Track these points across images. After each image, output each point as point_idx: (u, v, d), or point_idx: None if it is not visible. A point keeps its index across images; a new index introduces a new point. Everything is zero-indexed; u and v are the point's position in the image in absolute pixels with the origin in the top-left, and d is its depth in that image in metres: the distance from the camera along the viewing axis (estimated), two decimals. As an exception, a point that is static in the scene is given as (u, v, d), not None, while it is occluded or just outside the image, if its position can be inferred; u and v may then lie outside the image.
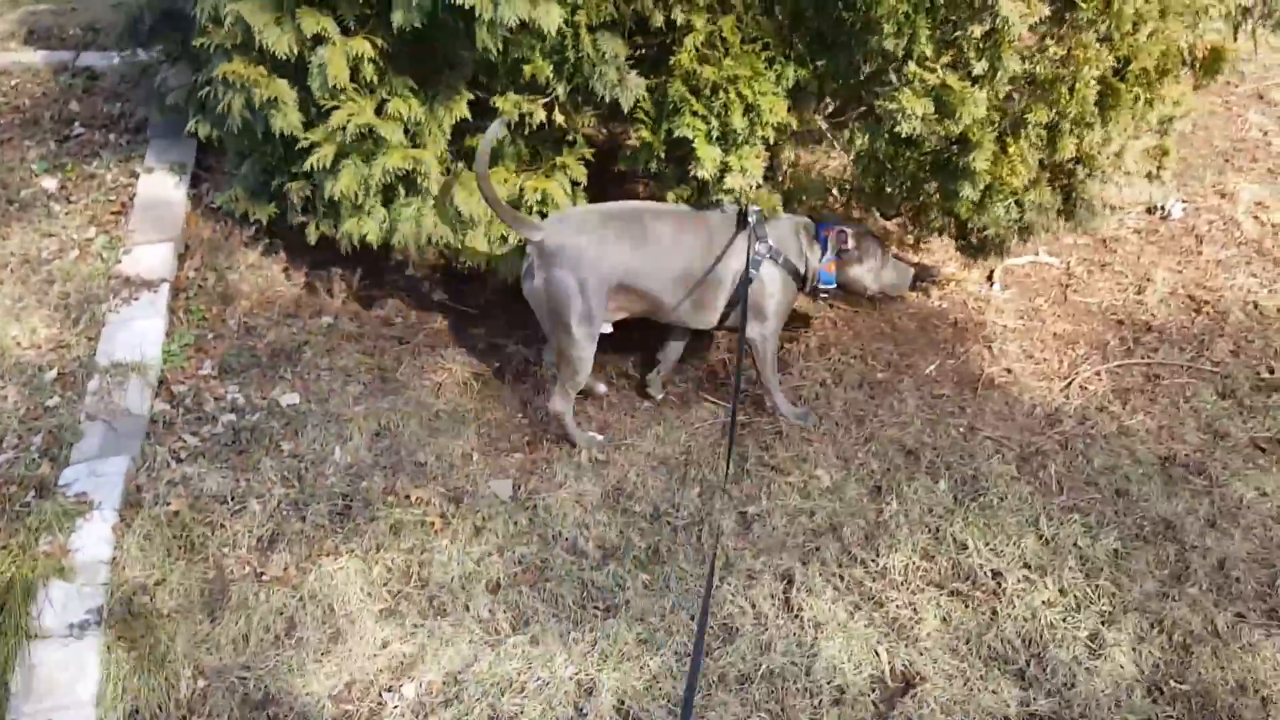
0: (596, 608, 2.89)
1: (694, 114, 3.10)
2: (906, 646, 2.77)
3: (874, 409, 3.57)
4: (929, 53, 2.79)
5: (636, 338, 3.69)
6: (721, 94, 3.02)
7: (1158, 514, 3.13)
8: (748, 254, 3.25)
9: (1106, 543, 3.04)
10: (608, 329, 3.39)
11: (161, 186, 4.44)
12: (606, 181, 3.85)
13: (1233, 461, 3.31)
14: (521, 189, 3.43)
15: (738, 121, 3.07)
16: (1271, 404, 3.53)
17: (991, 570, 2.97)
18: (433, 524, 3.11)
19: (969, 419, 3.52)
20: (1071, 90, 2.78)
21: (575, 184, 3.55)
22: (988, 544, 3.04)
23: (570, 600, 2.89)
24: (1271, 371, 3.68)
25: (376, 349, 3.83)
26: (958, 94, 2.77)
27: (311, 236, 3.77)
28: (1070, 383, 3.66)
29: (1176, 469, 3.29)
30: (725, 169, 3.14)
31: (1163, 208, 4.64)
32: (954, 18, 2.72)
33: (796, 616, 2.85)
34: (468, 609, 2.88)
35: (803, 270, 3.44)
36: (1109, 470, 3.29)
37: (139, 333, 3.72)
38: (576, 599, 2.90)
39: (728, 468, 2.88)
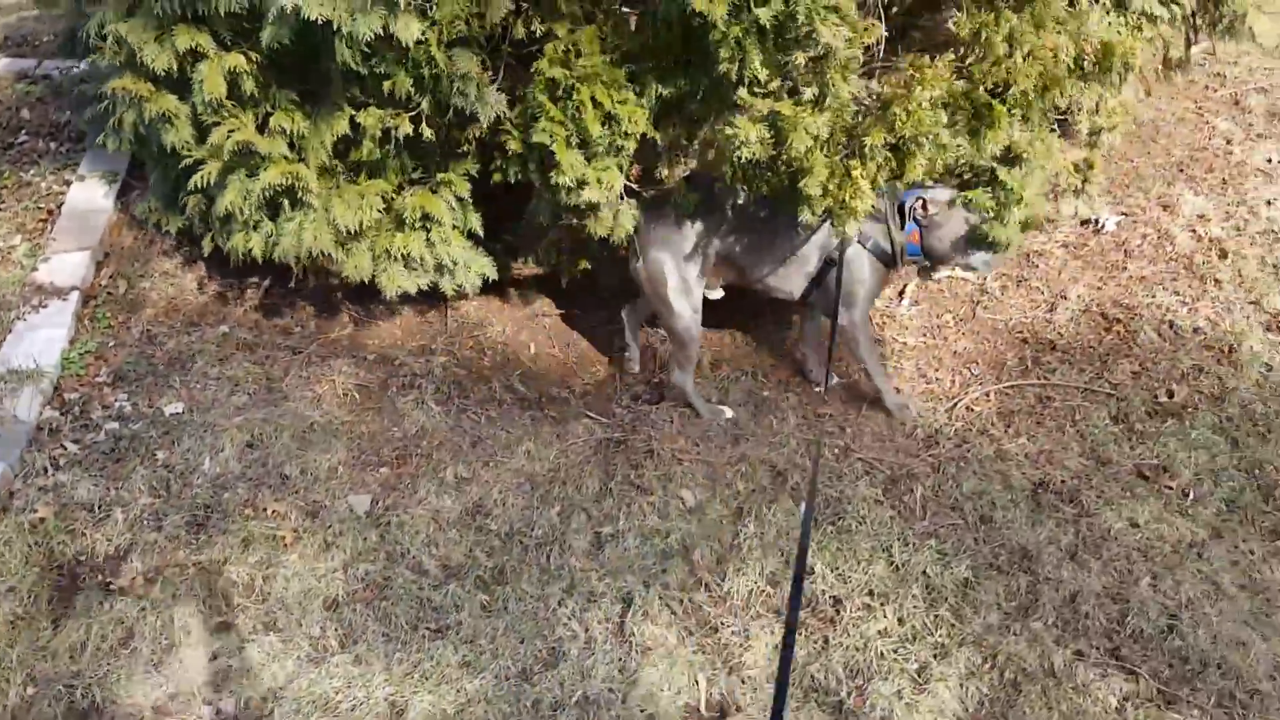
0: (428, 628, 2.90)
1: (551, 119, 3.08)
2: (730, 675, 2.75)
3: (753, 428, 3.52)
4: (762, 77, 2.75)
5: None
6: (575, 95, 2.99)
7: (1017, 543, 3.06)
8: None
9: (958, 571, 2.97)
10: (718, 294, 3.59)
11: (91, 195, 4.54)
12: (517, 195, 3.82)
13: (1109, 490, 3.22)
14: (402, 208, 3.44)
15: (595, 129, 3.04)
16: (1164, 430, 3.42)
17: (833, 597, 2.92)
18: (284, 538, 3.15)
19: (846, 440, 3.47)
20: (909, 112, 2.71)
21: (461, 200, 3.54)
22: (836, 570, 2.99)
23: (404, 620, 2.91)
24: (1170, 395, 3.56)
25: (269, 358, 3.87)
26: (789, 119, 2.72)
27: (206, 248, 3.83)
28: (956, 404, 3.58)
29: (1048, 496, 3.21)
30: (582, 181, 3.12)
31: (1097, 220, 4.51)
32: (785, 41, 2.67)
33: (626, 641, 2.83)
34: (300, 625, 2.91)
35: (890, 249, 3.37)
36: (977, 495, 3.22)
37: (42, 340, 3.81)
38: (410, 618, 2.92)
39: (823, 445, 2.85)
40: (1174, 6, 4.52)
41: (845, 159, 2.86)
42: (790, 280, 3.48)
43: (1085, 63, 3.33)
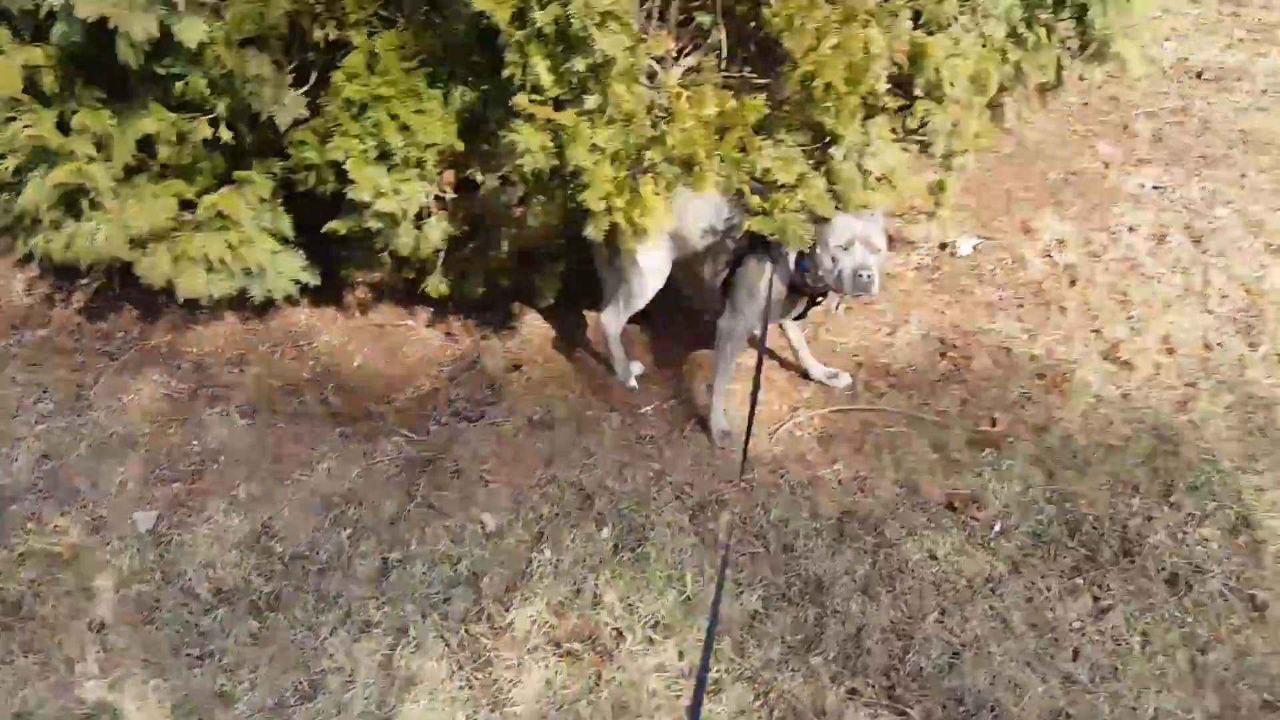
0: (190, 654, 2.78)
1: (347, 135, 2.98)
2: (493, 711, 2.66)
3: (569, 448, 3.43)
4: (546, 84, 2.66)
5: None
6: (372, 112, 2.89)
7: (813, 573, 3.00)
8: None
9: (748, 602, 2.91)
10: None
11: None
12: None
13: (915, 520, 3.17)
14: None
15: (394, 141, 2.95)
16: (981, 460, 3.37)
17: (616, 629, 2.84)
18: (61, 555, 3.02)
19: (663, 463, 3.39)
20: (683, 130, 2.63)
21: (265, 200, 3.42)
22: (625, 599, 2.92)
23: (166, 646, 2.79)
24: (993, 424, 3.52)
25: (84, 365, 3.75)
26: (570, 130, 2.64)
27: (19, 251, 3.68)
28: (780, 427, 3.52)
29: (853, 525, 3.16)
30: (379, 192, 3.02)
31: (953, 244, 4.48)
32: (566, 49, 2.59)
33: (391, 675, 2.73)
34: (61, 647, 2.78)
35: (803, 276, 3.21)
36: (782, 523, 3.16)
37: None
38: (174, 644, 2.80)
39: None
40: (1038, 29, 4.52)
41: (635, 174, 2.78)
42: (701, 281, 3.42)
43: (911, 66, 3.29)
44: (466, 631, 2.86)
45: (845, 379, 3.72)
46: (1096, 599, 2.92)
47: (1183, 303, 4.05)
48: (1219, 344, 3.82)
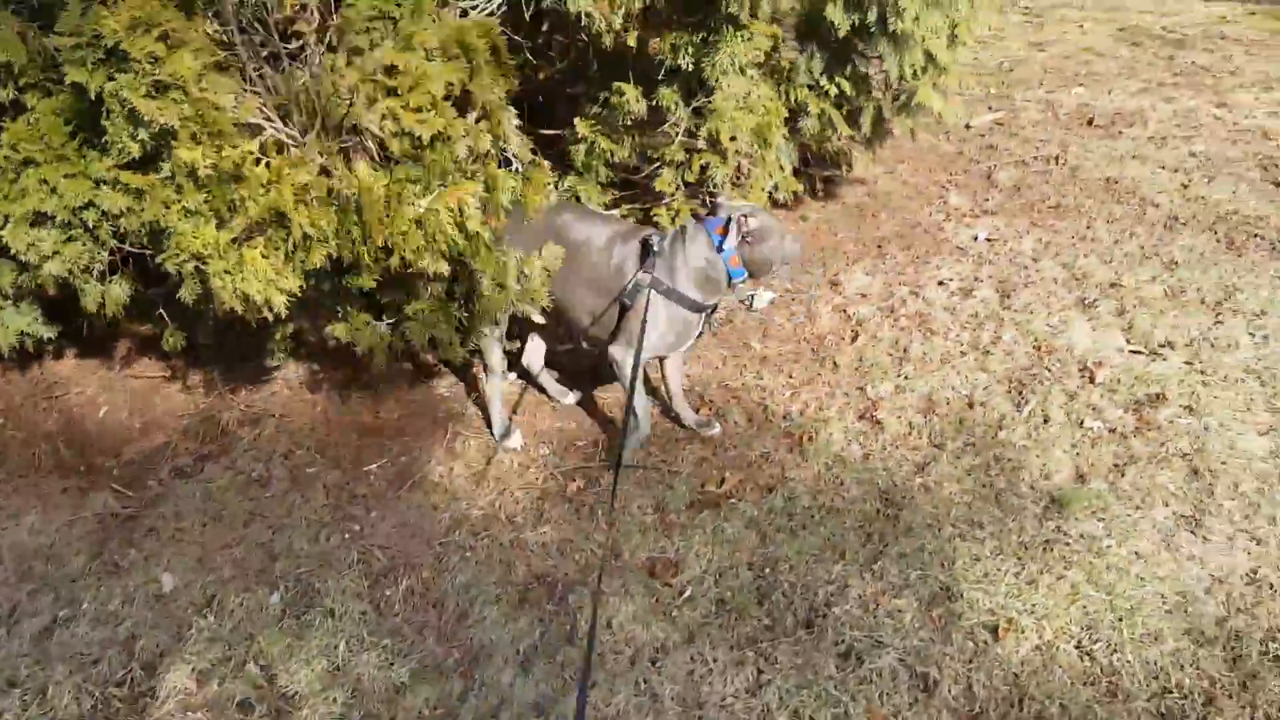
0: None
1: (6, 198, 2.99)
2: (94, 781, 2.58)
3: (275, 507, 3.39)
4: (132, 149, 2.66)
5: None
6: (22, 179, 2.91)
7: (479, 643, 2.92)
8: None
9: (397, 673, 2.84)
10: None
11: None
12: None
13: (609, 585, 3.08)
14: None
15: (49, 203, 2.95)
16: (696, 521, 3.28)
17: (245, 700, 2.76)
18: None
19: (365, 524, 3.33)
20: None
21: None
22: (269, 669, 2.84)
23: None
24: (721, 484, 3.42)
25: None
26: (150, 192, 2.63)
27: None
28: (507, 489, 3.44)
29: (539, 591, 3.08)
30: (42, 255, 3.02)
31: (751, 297, 4.40)
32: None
33: (9, 738, 2.68)
34: None
35: (694, 291, 3.34)
36: (466, 589, 3.07)
37: None
38: None
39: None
40: (840, 82, 4.48)
41: (241, 239, 2.74)
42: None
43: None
44: (104, 695, 2.79)
45: (716, 428, 3.67)
46: (760, 672, 2.79)
47: (962, 360, 3.94)
48: (983, 403, 3.70)
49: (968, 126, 6.53)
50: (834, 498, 3.35)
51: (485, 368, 3.64)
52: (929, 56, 4.38)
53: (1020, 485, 3.33)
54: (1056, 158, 5.79)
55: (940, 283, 4.51)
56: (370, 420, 3.81)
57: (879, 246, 4.91)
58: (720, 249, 3.30)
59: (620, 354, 3.36)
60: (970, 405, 3.71)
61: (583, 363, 3.92)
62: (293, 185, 2.54)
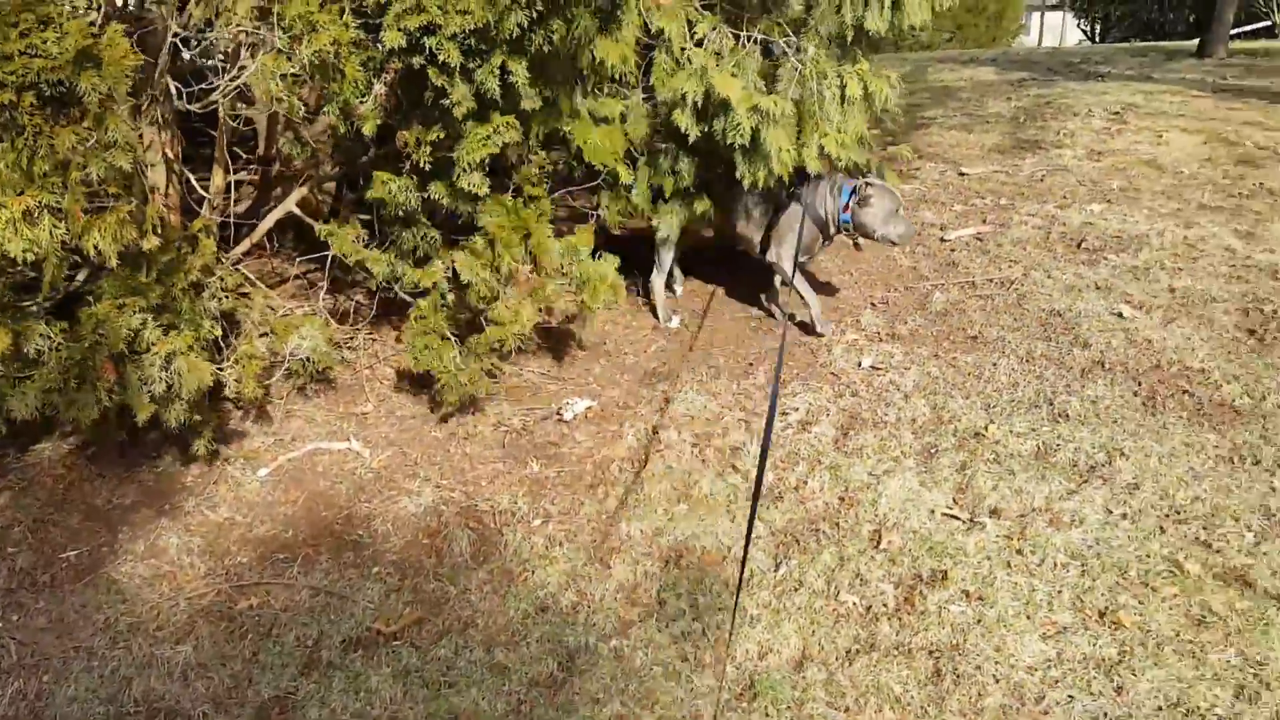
0: None
1: None
2: None
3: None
4: None
5: None
6: None
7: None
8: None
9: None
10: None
11: None
12: None
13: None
14: None
15: None
16: (346, 662, 2.99)
17: None
18: None
19: (31, 614, 3.23)
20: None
21: None
22: None
23: None
24: (392, 622, 3.12)
25: None
26: None
27: None
28: (175, 597, 3.26)
29: (141, 715, 2.84)
30: None
31: (559, 408, 4.13)
32: None
33: None
34: None
35: (824, 215, 4.46)
36: (70, 703, 2.90)
37: None
38: None
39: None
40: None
41: None
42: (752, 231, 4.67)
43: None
44: None
45: (830, 326, 4.74)
46: None
47: (748, 503, 3.52)
48: (739, 559, 3.27)
49: (943, 240, 6.07)
50: (510, 654, 3.00)
51: (657, 263, 4.80)
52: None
53: (723, 662, 2.89)
54: (1011, 283, 5.26)
55: (784, 413, 4.09)
56: (101, 503, 3.70)
57: (750, 364, 4.54)
58: (843, 197, 4.41)
59: (774, 256, 4.61)
60: (723, 559, 3.29)
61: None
62: None
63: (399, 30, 2.93)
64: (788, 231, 4.50)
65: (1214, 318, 4.70)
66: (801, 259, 4.62)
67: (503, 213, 3.49)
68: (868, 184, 4.40)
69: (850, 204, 4.41)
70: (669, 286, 5.01)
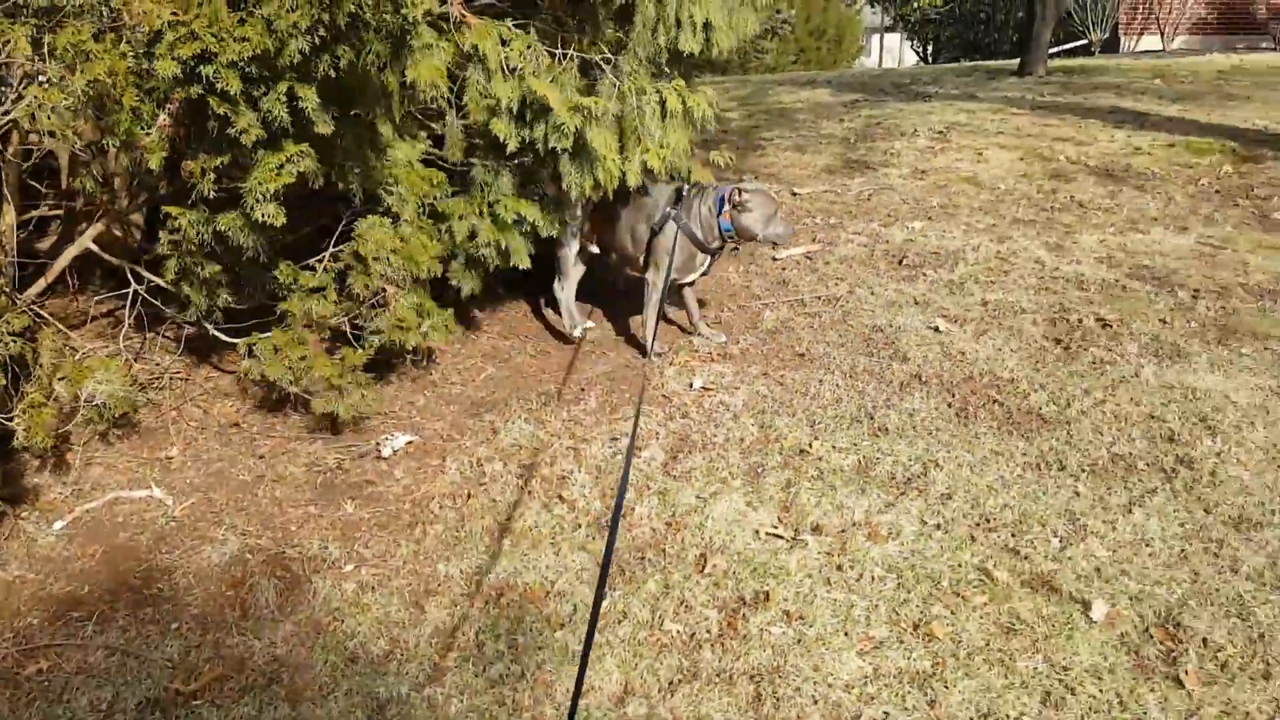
0: None
1: None
2: None
3: None
4: None
5: None
6: None
7: None
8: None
9: None
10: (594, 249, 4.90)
11: None
12: None
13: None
14: None
15: None
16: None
17: None
18: None
19: None
20: None
21: None
22: None
23: None
24: (191, 680, 2.92)
25: None
26: None
27: None
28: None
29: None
30: None
31: (379, 443, 3.97)
32: None
33: None
34: None
35: (699, 232, 4.49)
36: None
37: None
38: None
39: None
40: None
41: None
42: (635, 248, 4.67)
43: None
44: None
45: (721, 337, 4.88)
46: None
47: (574, 534, 3.48)
48: (561, 593, 3.20)
49: (774, 259, 6.17)
50: (317, 709, 2.85)
51: (559, 274, 4.85)
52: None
53: (542, 704, 2.81)
54: (837, 300, 5.38)
55: (613, 438, 4.05)
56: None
57: (581, 389, 4.48)
58: (720, 207, 4.45)
59: (651, 276, 4.58)
60: (545, 595, 3.21)
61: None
62: None
63: (172, 59, 2.77)
64: (662, 253, 4.51)
65: (1023, 328, 4.91)
66: (684, 279, 4.68)
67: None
68: (742, 189, 4.42)
69: (728, 210, 4.44)
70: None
